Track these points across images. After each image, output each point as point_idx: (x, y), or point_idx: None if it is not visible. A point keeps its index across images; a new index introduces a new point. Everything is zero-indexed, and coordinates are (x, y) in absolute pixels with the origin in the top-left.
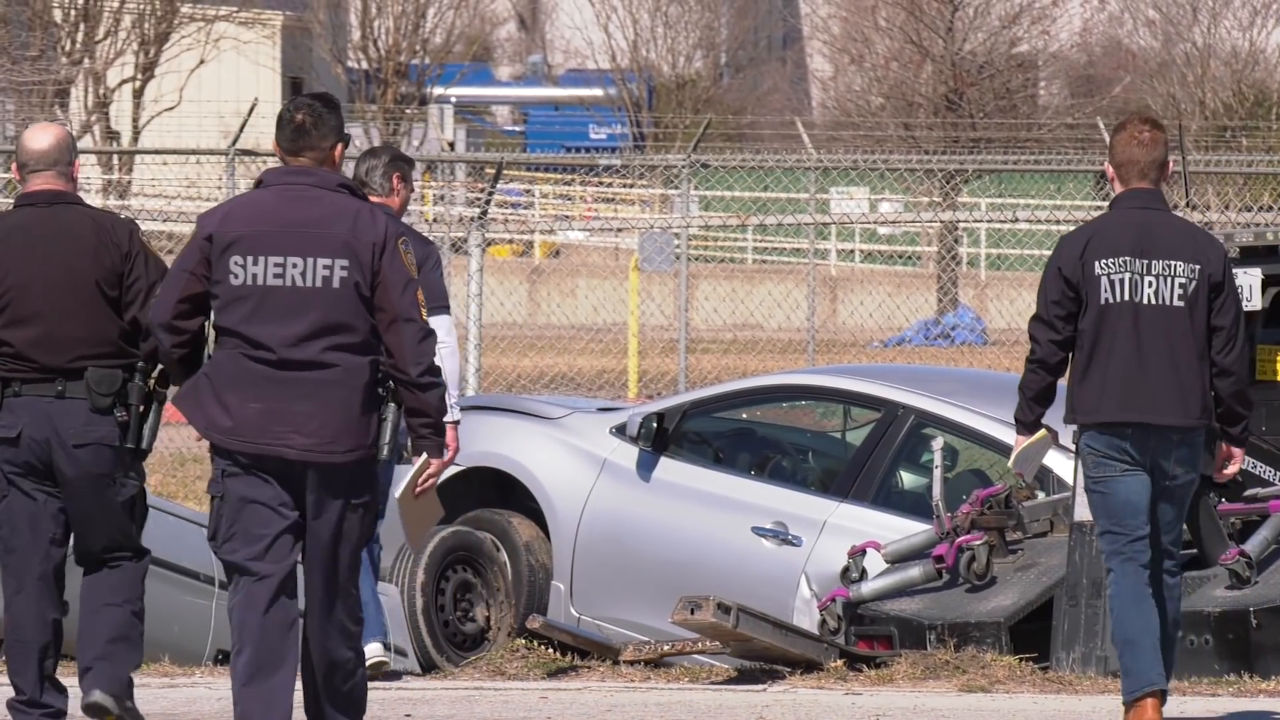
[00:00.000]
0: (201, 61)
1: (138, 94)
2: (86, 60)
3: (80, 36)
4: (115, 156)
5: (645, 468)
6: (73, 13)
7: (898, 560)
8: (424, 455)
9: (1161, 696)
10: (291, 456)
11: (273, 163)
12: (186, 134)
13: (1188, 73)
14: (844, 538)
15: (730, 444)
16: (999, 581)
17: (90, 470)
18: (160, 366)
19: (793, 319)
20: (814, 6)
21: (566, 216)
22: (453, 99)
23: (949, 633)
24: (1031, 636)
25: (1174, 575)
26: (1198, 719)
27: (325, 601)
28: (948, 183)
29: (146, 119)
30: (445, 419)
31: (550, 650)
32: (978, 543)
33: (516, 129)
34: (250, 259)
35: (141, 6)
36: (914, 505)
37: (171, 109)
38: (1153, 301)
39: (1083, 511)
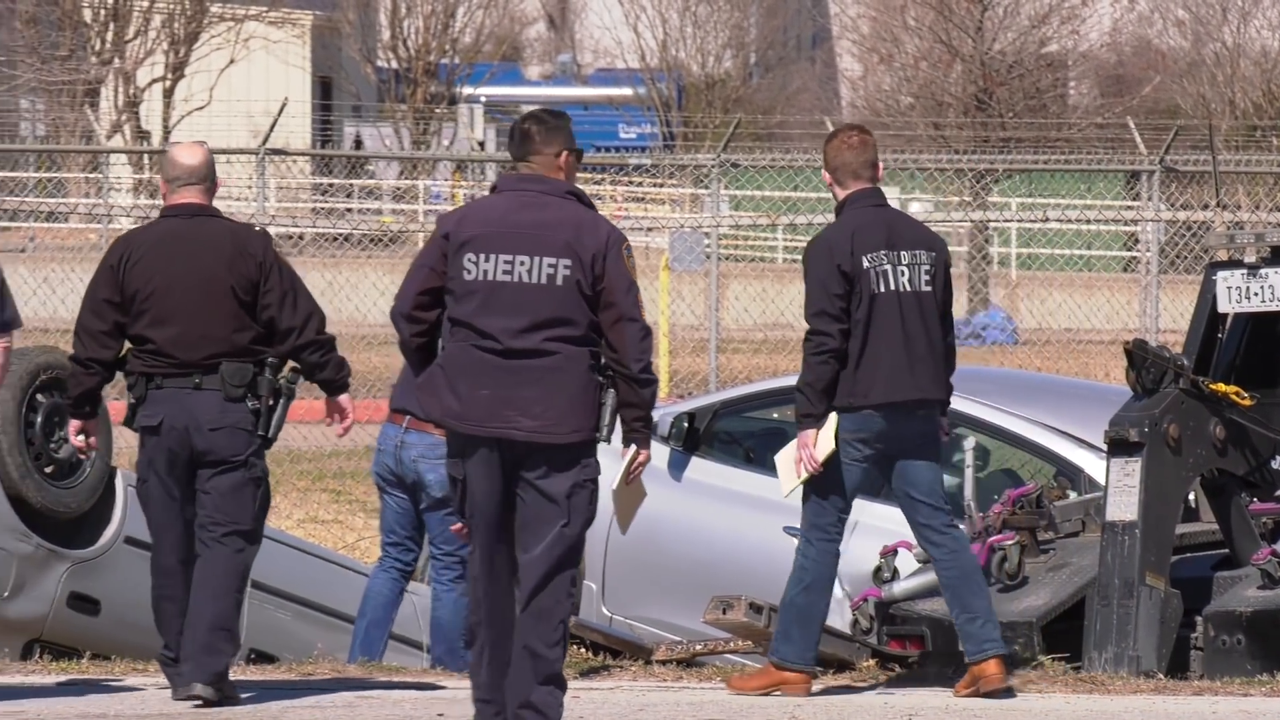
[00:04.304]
0: (231, 61)
1: (168, 93)
2: (116, 60)
3: (110, 36)
4: (146, 156)
5: (676, 467)
6: (102, 12)
7: (930, 560)
8: (633, 446)
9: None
10: (519, 438)
11: (304, 162)
12: (216, 133)
13: (1217, 72)
14: (876, 537)
15: (761, 443)
16: (1031, 581)
17: (226, 451)
18: (290, 363)
19: None
20: (843, 6)
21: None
22: (482, 98)
23: None
24: (1063, 636)
25: (952, 528)
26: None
27: (542, 582)
28: (978, 182)
29: (177, 118)
30: None
31: (582, 650)
32: (1009, 543)
33: None
34: (482, 256)
35: (171, 6)
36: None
37: (202, 108)
38: (908, 289)
39: (1115, 511)
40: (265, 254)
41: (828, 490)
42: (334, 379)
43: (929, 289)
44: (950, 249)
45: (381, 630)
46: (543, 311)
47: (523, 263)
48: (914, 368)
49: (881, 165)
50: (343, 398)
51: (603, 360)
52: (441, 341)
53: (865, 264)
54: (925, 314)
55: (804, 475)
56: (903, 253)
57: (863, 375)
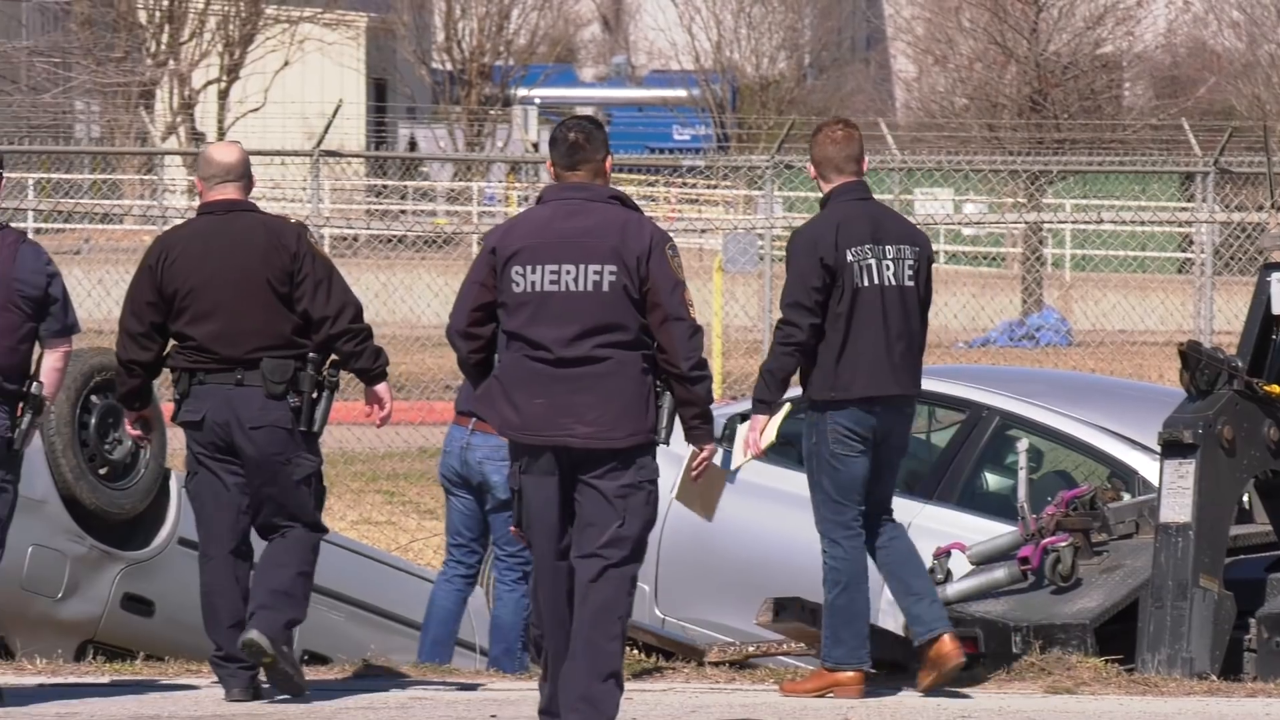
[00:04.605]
0: (286, 63)
1: (223, 95)
2: (171, 62)
3: (165, 38)
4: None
5: (729, 469)
6: (157, 14)
7: (983, 562)
8: (694, 446)
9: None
10: (576, 445)
11: (358, 164)
12: (271, 135)
13: (1272, 74)
14: (929, 539)
15: None
16: (1084, 583)
17: (266, 450)
18: (332, 356)
19: None
20: (897, 8)
21: (650, 217)
22: (536, 100)
23: (1034, 634)
24: (1117, 638)
25: (894, 520)
26: None
27: (597, 577)
28: (1032, 184)
29: (231, 120)
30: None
31: (635, 651)
32: (1063, 544)
33: None
34: (529, 268)
35: (226, 8)
36: (999, 507)
37: (256, 110)
38: (892, 283)
39: (1168, 513)
40: (299, 245)
41: (839, 489)
42: (370, 368)
43: (912, 284)
44: (1004, 250)
45: (446, 647)
46: (591, 319)
47: (569, 272)
48: (895, 363)
49: (866, 160)
50: (380, 387)
51: (652, 362)
52: (497, 354)
53: (849, 257)
54: (908, 309)
55: (747, 457)
56: (887, 247)
57: (844, 369)
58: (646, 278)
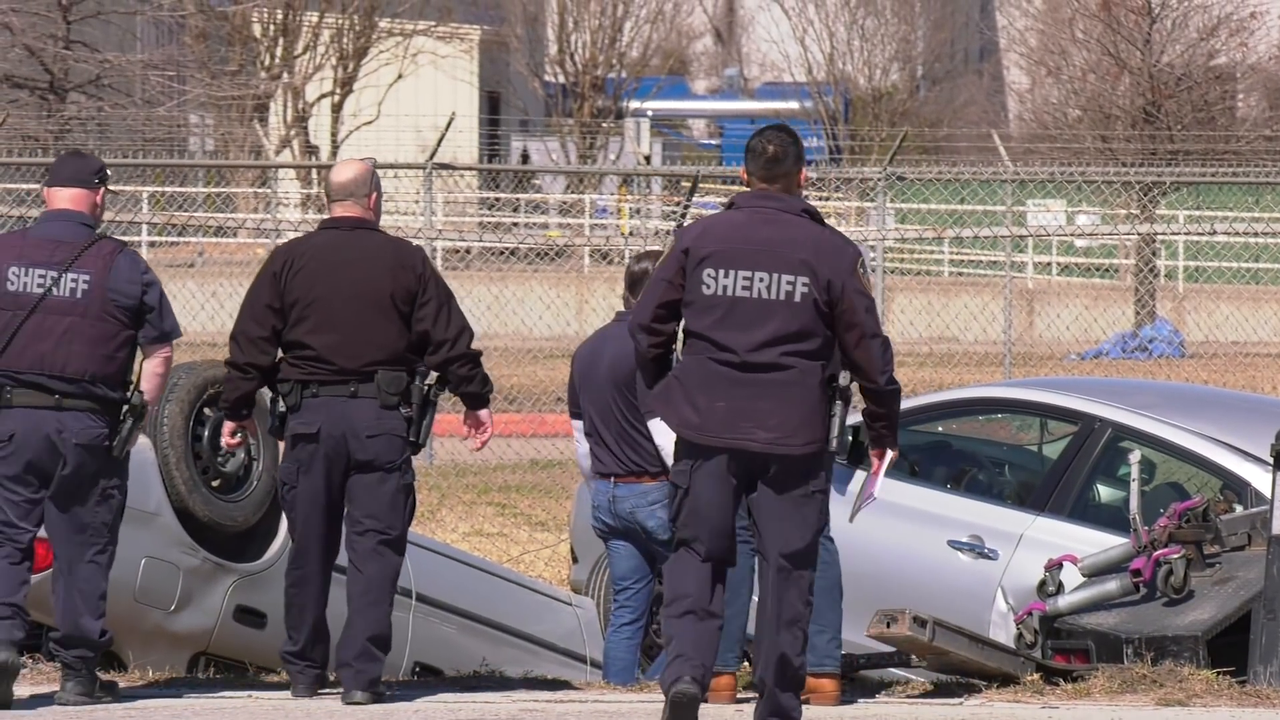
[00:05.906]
0: (399, 76)
1: (336, 108)
2: (285, 75)
3: (279, 52)
4: (314, 171)
5: (840, 481)
6: (272, 28)
7: (1094, 574)
8: (885, 449)
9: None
10: (755, 449)
11: (471, 176)
12: (384, 148)
13: None
14: (1040, 551)
15: (926, 457)
16: (1196, 595)
17: (383, 457)
18: (436, 374)
19: (989, 332)
20: (1011, 19)
21: None
22: (649, 112)
23: (1146, 646)
24: (1229, 650)
25: (829, 539)
26: None
27: (778, 583)
28: (1145, 195)
29: (345, 133)
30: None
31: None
32: (1175, 556)
33: (713, 142)
34: (721, 272)
35: (340, 22)
36: (1111, 519)
37: (370, 123)
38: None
39: None
40: (424, 267)
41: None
42: (479, 393)
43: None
44: (1117, 262)
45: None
46: (781, 327)
47: (762, 279)
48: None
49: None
50: (482, 412)
51: (828, 372)
52: (677, 353)
53: None
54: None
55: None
56: None
57: None
58: (842, 294)
